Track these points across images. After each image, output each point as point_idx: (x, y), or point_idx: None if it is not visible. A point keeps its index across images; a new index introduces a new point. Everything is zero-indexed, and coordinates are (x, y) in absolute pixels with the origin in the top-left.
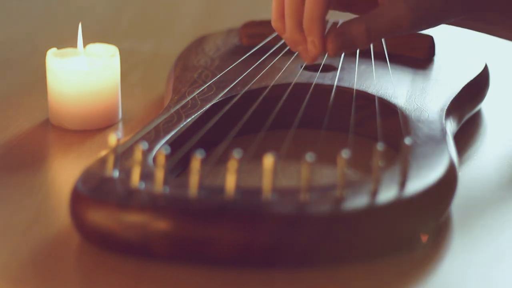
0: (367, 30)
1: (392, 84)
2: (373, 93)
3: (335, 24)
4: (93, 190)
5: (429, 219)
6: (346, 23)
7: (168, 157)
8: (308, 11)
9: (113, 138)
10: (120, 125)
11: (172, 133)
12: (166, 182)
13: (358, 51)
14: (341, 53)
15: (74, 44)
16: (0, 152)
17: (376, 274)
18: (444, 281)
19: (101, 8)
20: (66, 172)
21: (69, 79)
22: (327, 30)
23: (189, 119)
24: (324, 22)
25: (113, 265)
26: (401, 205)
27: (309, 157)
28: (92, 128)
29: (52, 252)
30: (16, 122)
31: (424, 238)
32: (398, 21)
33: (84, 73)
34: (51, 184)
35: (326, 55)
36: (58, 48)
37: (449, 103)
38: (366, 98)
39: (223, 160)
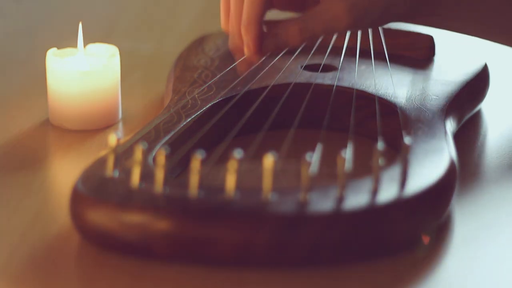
0: (300, 30)
1: (392, 84)
2: (373, 93)
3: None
4: (93, 190)
5: (429, 218)
6: (280, 24)
7: (168, 157)
8: (245, 14)
9: (113, 138)
10: (120, 125)
11: (172, 133)
12: (166, 182)
13: (358, 51)
14: (274, 52)
15: (74, 44)
16: (0, 152)
17: (376, 274)
18: (445, 281)
19: (101, 8)
20: (66, 172)
21: (69, 79)
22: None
23: (189, 119)
24: (260, 24)
25: (113, 265)
26: (401, 204)
27: (309, 157)
28: (92, 128)
29: (52, 252)
30: (16, 122)
31: (426, 240)
32: (333, 22)
33: (84, 73)
34: (51, 184)
35: (326, 55)
36: (58, 48)
37: (449, 103)
38: (366, 98)
39: (223, 160)
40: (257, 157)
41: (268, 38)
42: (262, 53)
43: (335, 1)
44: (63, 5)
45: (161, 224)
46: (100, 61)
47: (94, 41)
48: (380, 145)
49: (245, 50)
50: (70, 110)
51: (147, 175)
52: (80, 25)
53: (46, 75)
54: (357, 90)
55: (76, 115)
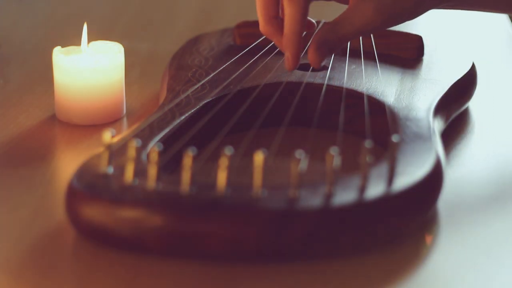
0: (339, 38)
1: (381, 83)
2: (362, 92)
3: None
4: (87, 186)
5: (416, 214)
6: (319, 34)
7: (161, 154)
8: (286, 29)
9: (107, 135)
10: (125, 120)
11: (166, 130)
12: (159, 178)
13: (348, 51)
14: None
15: (75, 43)
16: (9, 147)
17: (365, 268)
18: (432, 275)
19: (100, 7)
20: (73, 166)
21: (76, 76)
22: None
23: (183, 117)
24: (300, 38)
25: (111, 258)
26: (389, 200)
27: (299, 154)
28: (98, 123)
29: (52, 247)
30: (24, 118)
31: (428, 240)
32: (366, 26)
33: (90, 70)
34: (59, 178)
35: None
36: (60, 46)
37: (437, 101)
38: (355, 97)
39: (215, 157)
40: (248, 154)
41: (316, 50)
42: (317, 65)
43: (364, 5)
44: (62, 5)
45: (153, 220)
46: (105, 58)
47: (94, 40)
48: (368, 143)
49: (285, 61)
50: (76, 105)
51: (141, 171)
52: (85, 25)
53: (50, 72)
54: (347, 89)
55: (82, 110)
